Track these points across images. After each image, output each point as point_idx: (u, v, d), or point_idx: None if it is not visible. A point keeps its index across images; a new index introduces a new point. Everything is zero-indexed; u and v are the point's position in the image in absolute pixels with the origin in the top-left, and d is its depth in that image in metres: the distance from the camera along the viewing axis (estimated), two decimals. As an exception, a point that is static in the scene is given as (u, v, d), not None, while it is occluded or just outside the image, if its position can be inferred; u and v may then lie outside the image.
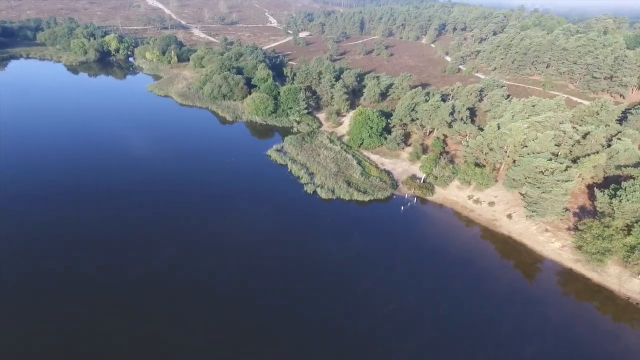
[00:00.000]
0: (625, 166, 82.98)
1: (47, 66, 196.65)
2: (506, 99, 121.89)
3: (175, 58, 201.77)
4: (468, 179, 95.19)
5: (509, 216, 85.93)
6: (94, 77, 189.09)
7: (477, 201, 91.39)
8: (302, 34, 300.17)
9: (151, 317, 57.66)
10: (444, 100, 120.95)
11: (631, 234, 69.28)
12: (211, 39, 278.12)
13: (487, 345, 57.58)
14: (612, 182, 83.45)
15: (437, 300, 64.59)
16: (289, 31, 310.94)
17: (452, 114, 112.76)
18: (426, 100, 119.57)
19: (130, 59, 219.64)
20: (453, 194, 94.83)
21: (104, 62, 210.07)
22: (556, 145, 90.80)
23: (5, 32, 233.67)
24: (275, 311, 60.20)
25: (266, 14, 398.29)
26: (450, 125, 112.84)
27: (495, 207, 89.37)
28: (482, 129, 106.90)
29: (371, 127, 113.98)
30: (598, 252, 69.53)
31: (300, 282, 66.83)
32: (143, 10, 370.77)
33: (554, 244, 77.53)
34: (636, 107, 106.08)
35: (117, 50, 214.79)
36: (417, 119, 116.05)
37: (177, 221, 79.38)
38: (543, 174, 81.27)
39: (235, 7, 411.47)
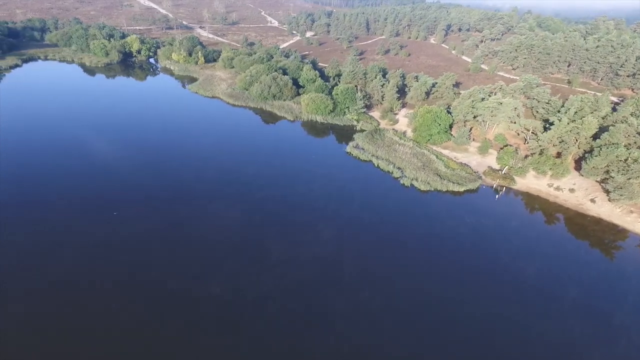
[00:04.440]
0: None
1: (73, 68, 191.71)
2: (555, 97, 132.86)
3: (203, 59, 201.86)
4: (546, 169, 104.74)
5: (592, 201, 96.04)
6: (128, 78, 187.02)
7: (558, 189, 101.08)
8: (307, 34, 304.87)
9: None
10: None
11: None
12: (219, 39, 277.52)
13: (625, 295, 68.52)
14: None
15: (569, 265, 75.72)
16: (294, 31, 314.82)
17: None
18: (482, 99, 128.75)
19: (151, 60, 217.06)
20: (533, 183, 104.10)
21: (126, 63, 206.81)
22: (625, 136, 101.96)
23: (10, 33, 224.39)
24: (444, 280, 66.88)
25: (263, 13, 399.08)
26: (512, 121, 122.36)
27: (575, 193, 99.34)
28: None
29: (439, 124, 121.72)
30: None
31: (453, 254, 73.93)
32: (137, 10, 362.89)
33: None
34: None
35: (139, 52, 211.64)
36: (480, 115, 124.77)
37: (318, 211, 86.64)
38: (625, 162, 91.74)
39: (230, 7, 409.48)
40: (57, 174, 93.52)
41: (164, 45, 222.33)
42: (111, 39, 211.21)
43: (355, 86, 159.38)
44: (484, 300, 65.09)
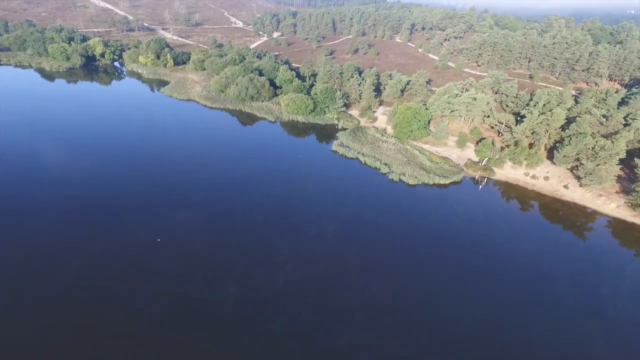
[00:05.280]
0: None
1: (33, 74, 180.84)
2: (523, 91, 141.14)
3: (172, 61, 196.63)
4: (521, 159, 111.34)
5: (566, 187, 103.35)
6: (93, 83, 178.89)
7: (533, 177, 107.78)
8: (274, 35, 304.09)
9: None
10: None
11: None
12: (185, 40, 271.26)
13: (607, 267, 74.96)
14: (634, 155, 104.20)
15: (550, 244, 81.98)
16: (260, 32, 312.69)
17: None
18: (457, 95, 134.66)
19: (116, 63, 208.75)
20: (511, 173, 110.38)
21: (89, 67, 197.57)
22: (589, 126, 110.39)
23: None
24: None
25: (226, 14, 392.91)
26: (486, 115, 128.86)
27: (550, 180, 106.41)
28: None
29: (419, 120, 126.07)
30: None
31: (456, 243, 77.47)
32: (93, 11, 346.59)
33: (610, 205, 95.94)
34: (633, 93, 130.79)
35: (103, 55, 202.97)
36: (456, 110, 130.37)
37: (318, 206, 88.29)
38: (593, 149, 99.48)
39: (192, 8, 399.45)
40: (37, 183, 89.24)
41: (128, 48, 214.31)
42: (71, 42, 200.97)
43: (332, 85, 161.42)
44: (481, 294, 67.55)
